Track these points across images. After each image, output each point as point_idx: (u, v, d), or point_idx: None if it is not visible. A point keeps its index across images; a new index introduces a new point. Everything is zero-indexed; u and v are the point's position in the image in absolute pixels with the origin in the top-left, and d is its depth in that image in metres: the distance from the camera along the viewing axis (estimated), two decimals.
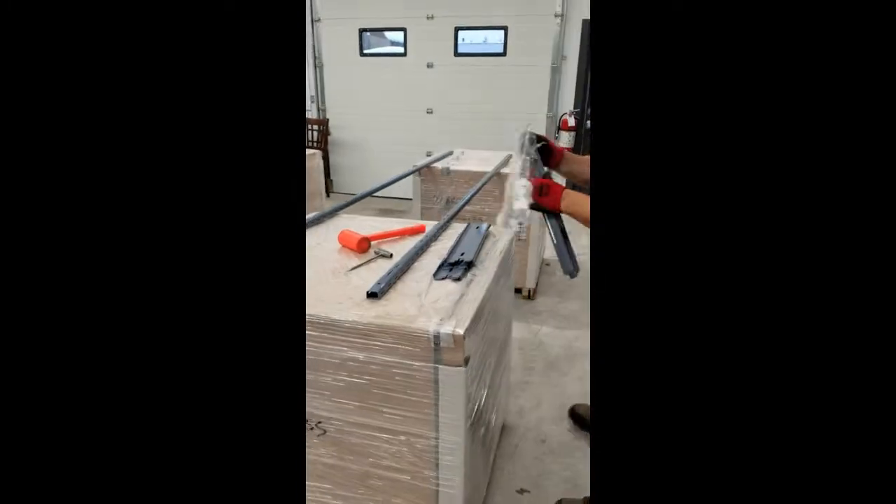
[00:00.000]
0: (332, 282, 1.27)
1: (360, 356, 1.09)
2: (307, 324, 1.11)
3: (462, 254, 1.43)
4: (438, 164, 3.10)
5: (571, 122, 4.71)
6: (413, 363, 1.07)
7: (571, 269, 1.28)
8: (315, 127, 5.58)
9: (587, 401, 2.12)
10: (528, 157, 1.38)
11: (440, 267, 1.36)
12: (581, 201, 1.26)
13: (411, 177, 3.04)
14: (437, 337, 1.03)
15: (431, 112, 5.38)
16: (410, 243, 1.55)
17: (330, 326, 1.09)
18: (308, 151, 3.56)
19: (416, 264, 1.41)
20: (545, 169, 1.43)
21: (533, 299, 3.14)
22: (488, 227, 1.73)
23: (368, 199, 2.37)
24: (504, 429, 1.99)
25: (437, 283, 1.28)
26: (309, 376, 1.15)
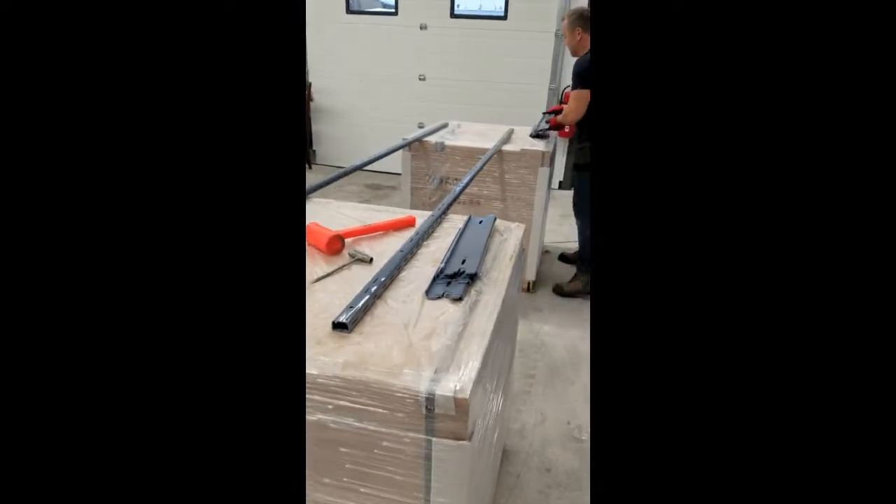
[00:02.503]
0: None
1: (325, 419, 0.78)
2: None
3: (463, 261, 1.11)
4: (431, 139, 2.74)
5: None
6: (398, 433, 0.75)
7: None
8: None
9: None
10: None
11: (435, 280, 1.04)
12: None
13: (401, 151, 2.69)
14: (430, 400, 0.72)
15: (424, 79, 4.96)
16: (396, 242, 1.22)
17: None
18: None
19: (403, 273, 1.09)
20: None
21: (533, 293, 2.84)
22: (494, 219, 1.40)
23: (355, 172, 2.03)
24: (504, 453, 1.71)
25: (430, 305, 0.96)
26: None
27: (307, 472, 0.83)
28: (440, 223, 1.41)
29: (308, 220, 1.26)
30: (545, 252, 3.31)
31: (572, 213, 2.77)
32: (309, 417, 0.78)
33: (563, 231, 3.70)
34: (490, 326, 0.89)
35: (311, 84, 5.18)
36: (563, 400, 2.00)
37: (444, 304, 0.97)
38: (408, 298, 0.98)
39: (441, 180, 2.75)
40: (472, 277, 1.04)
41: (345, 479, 0.81)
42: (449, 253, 1.16)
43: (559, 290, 2.80)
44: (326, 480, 0.82)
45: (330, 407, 0.77)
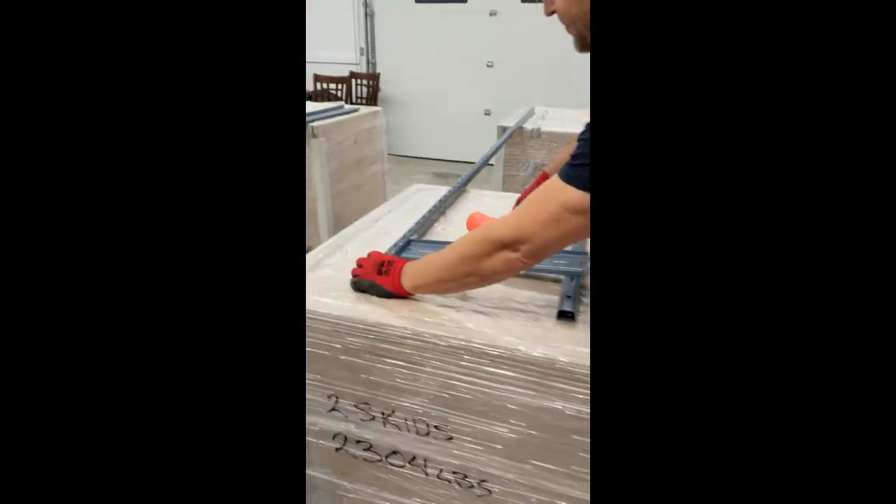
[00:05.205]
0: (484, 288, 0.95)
1: (565, 406, 0.77)
2: (478, 354, 0.79)
3: None
4: (528, 125, 2.71)
5: None
6: None
7: None
8: (364, 82, 5.18)
9: None
10: None
11: None
12: (423, 268, 0.86)
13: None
14: None
15: (491, 66, 4.91)
16: None
17: (515, 364, 0.77)
18: (370, 109, 3.25)
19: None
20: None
21: None
22: None
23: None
24: None
25: None
26: (476, 425, 0.85)
27: (541, 459, 0.83)
28: None
29: (471, 210, 1.26)
30: None
31: None
32: (548, 404, 0.78)
33: None
34: None
35: (379, 74, 5.22)
36: None
37: None
38: None
39: (536, 167, 2.72)
40: None
41: (573, 467, 0.81)
42: None
43: None
44: (551, 467, 0.82)
45: (571, 395, 0.76)
